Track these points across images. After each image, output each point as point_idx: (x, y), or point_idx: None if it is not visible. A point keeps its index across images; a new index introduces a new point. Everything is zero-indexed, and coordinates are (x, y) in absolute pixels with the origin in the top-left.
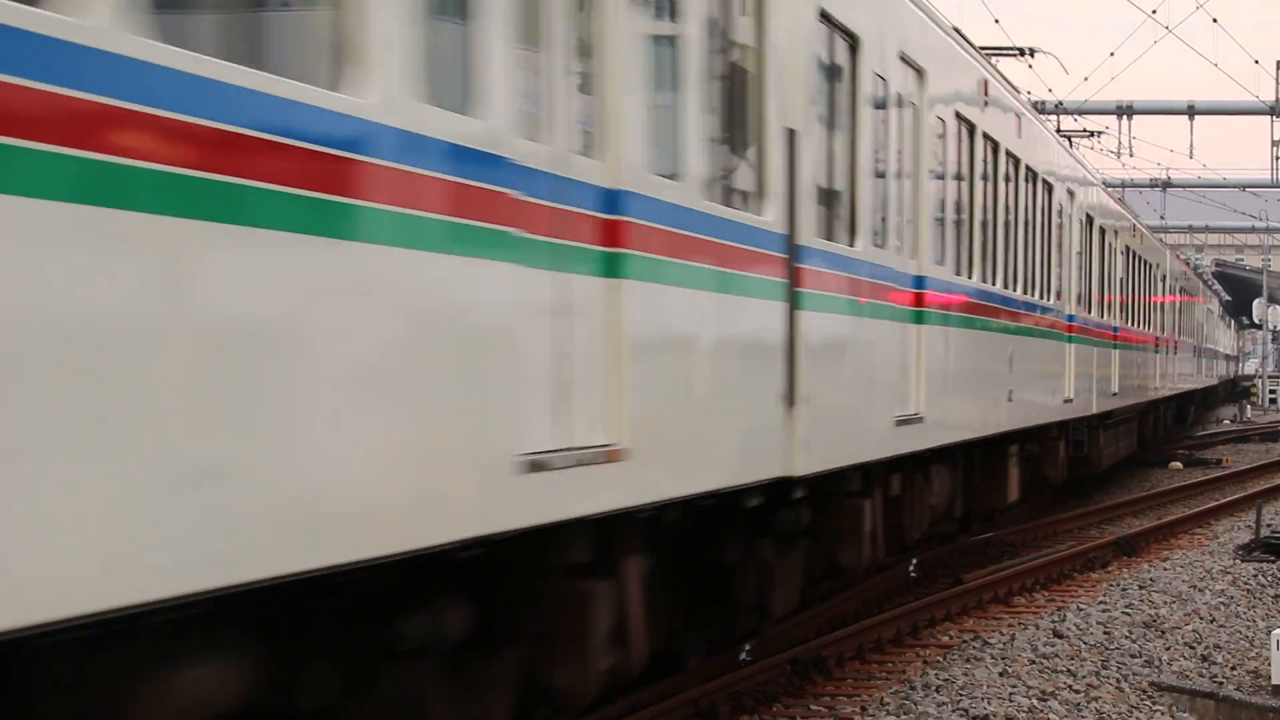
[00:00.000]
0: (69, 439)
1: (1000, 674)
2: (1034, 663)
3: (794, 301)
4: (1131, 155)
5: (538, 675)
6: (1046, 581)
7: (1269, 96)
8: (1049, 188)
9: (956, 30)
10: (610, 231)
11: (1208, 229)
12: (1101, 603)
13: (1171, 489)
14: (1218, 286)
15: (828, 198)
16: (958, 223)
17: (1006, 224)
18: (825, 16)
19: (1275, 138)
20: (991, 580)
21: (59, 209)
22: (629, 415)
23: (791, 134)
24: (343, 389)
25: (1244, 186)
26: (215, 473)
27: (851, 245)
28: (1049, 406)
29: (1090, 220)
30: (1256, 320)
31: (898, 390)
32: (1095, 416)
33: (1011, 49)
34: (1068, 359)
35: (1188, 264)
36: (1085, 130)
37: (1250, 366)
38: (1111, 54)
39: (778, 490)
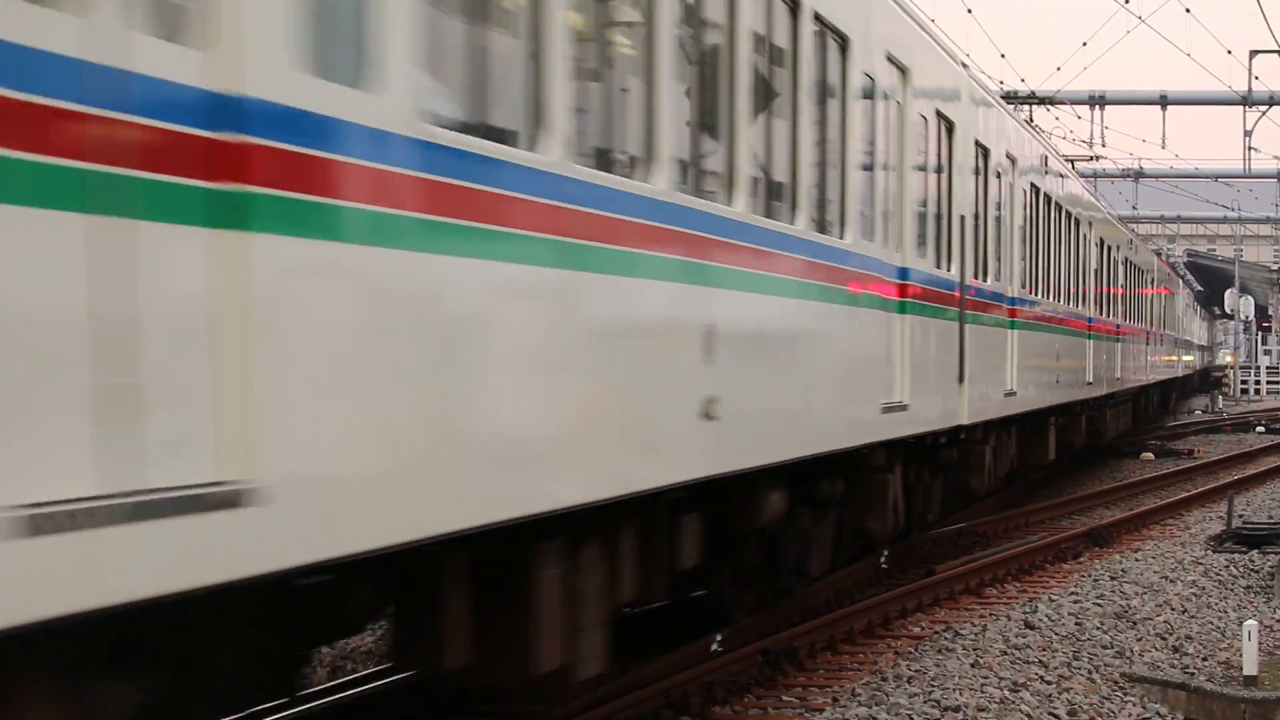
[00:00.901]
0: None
1: (972, 665)
2: (1005, 654)
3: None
4: (1104, 145)
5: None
6: (1018, 572)
7: (1241, 86)
8: (1075, 220)
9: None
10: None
11: (1180, 219)
12: (1073, 594)
13: (1143, 480)
14: (1190, 277)
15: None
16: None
17: (1050, 243)
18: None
19: (1248, 128)
20: (963, 571)
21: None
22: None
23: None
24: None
25: (1216, 177)
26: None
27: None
28: (1078, 388)
29: (1103, 243)
30: (1228, 311)
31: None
32: (1104, 397)
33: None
34: (1088, 351)
35: (1163, 257)
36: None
37: (1225, 357)
38: (1084, 44)
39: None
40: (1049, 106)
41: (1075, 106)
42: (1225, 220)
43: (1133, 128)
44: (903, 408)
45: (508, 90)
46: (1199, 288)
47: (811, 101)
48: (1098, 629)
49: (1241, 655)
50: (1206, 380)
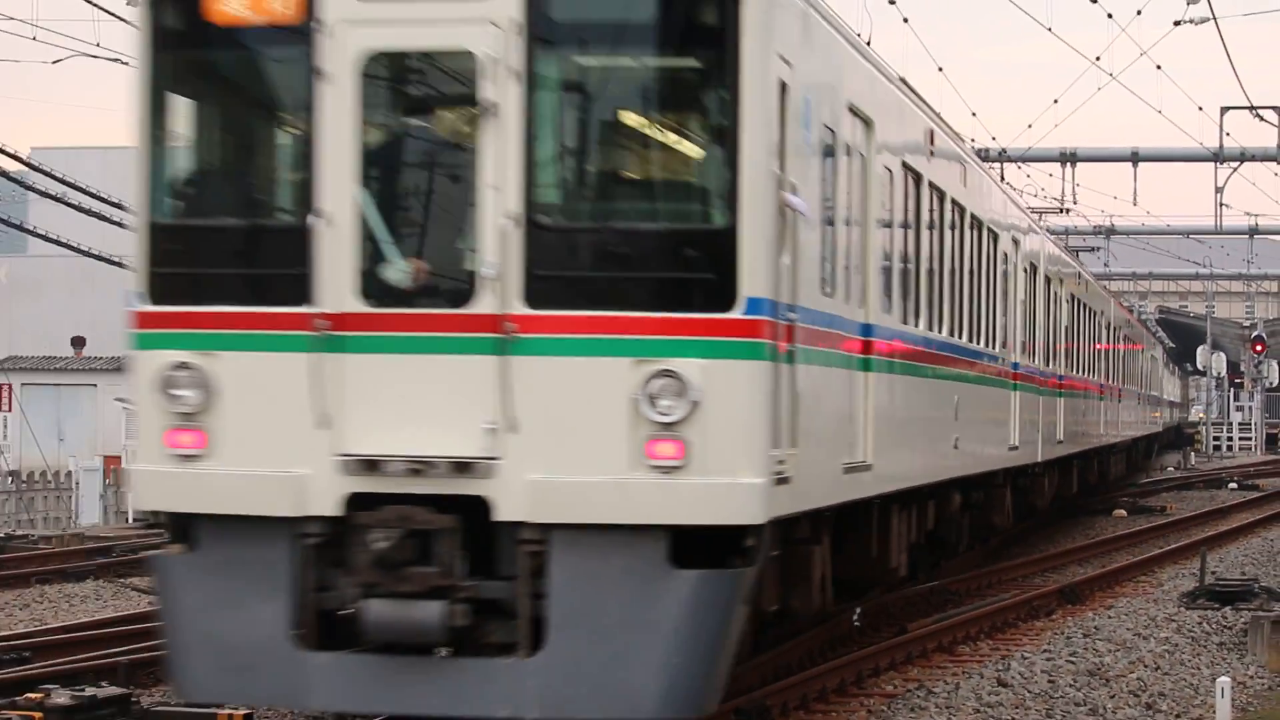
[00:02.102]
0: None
1: None
2: (979, 711)
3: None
4: (1075, 203)
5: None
6: (991, 630)
7: (1212, 143)
8: (994, 236)
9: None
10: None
11: (1151, 275)
12: (1046, 651)
13: (1116, 536)
14: (1162, 334)
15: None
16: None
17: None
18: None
19: (1219, 184)
20: (936, 629)
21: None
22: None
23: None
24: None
25: (1188, 233)
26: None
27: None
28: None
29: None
30: (1200, 367)
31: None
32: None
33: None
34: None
35: (1131, 311)
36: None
37: (1197, 413)
38: (1055, 101)
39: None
40: (1020, 164)
41: (1047, 164)
42: (1197, 277)
43: (1104, 185)
44: (1016, 448)
45: (908, 297)
46: (1171, 344)
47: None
48: (1071, 686)
49: (1215, 712)
50: (1179, 437)
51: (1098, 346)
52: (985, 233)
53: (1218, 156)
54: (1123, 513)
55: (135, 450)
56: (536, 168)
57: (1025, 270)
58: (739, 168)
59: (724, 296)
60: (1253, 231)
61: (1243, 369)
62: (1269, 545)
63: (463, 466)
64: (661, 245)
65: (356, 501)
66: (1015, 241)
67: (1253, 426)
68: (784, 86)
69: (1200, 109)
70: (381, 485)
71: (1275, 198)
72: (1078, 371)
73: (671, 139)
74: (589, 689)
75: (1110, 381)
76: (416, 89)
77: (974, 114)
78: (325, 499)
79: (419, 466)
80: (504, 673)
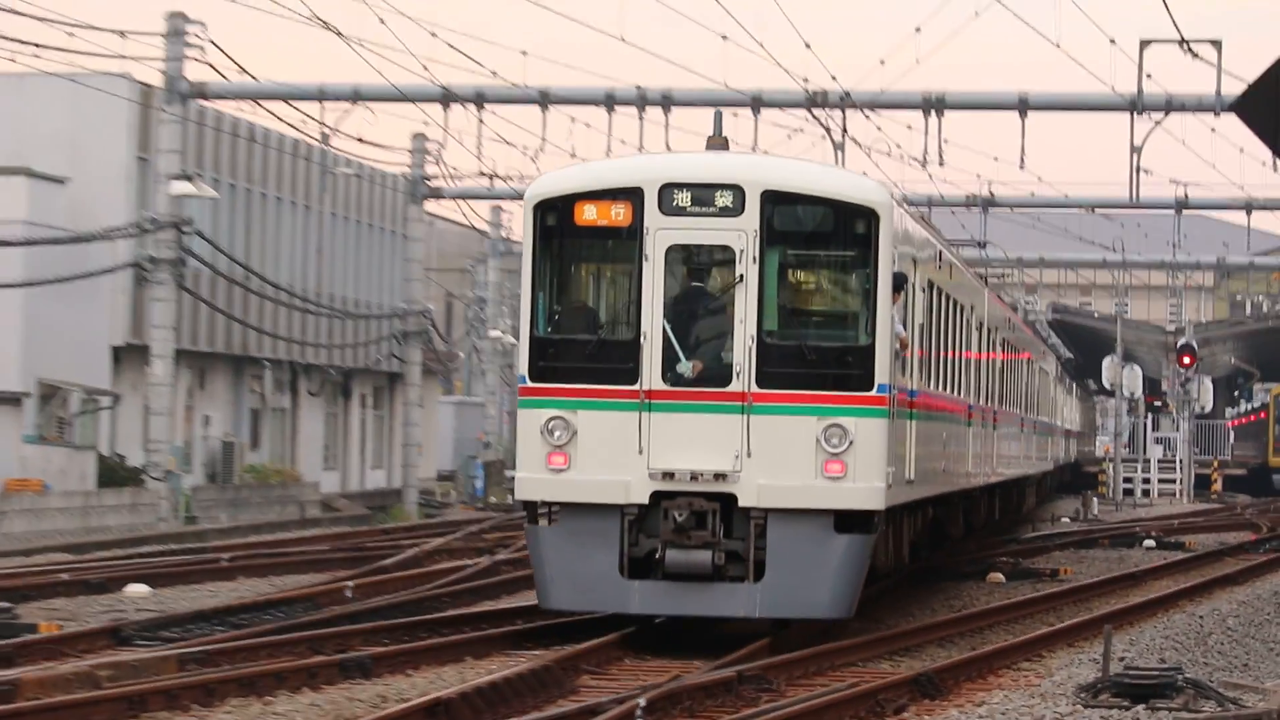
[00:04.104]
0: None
1: None
2: None
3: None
4: (942, 164)
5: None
6: None
7: (1128, 87)
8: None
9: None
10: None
11: (1043, 262)
12: None
13: (990, 609)
14: (1056, 340)
15: None
16: None
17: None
18: None
19: (1136, 142)
20: None
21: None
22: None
23: None
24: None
25: (1092, 206)
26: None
27: None
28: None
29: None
30: (1107, 385)
31: None
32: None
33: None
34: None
35: (1014, 309)
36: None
37: (1102, 447)
38: (917, 29)
39: None
40: (869, 113)
41: (905, 112)
42: (1105, 265)
43: (981, 140)
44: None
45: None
46: (1069, 354)
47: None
48: None
49: None
50: (1078, 477)
51: (966, 355)
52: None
53: (1135, 105)
54: (999, 577)
55: (522, 463)
56: (765, 309)
57: None
58: (876, 311)
59: (867, 382)
60: (1180, 205)
61: (1165, 389)
62: (1197, 624)
63: (720, 476)
64: (834, 353)
65: (657, 496)
66: None
67: (1177, 465)
68: (895, 263)
69: (1113, 42)
70: (674, 486)
71: (1210, 160)
72: (935, 385)
73: (841, 295)
74: (788, 599)
75: (982, 401)
76: (698, 264)
77: (807, 45)
78: (641, 493)
79: (696, 475)
80: (741, 591)
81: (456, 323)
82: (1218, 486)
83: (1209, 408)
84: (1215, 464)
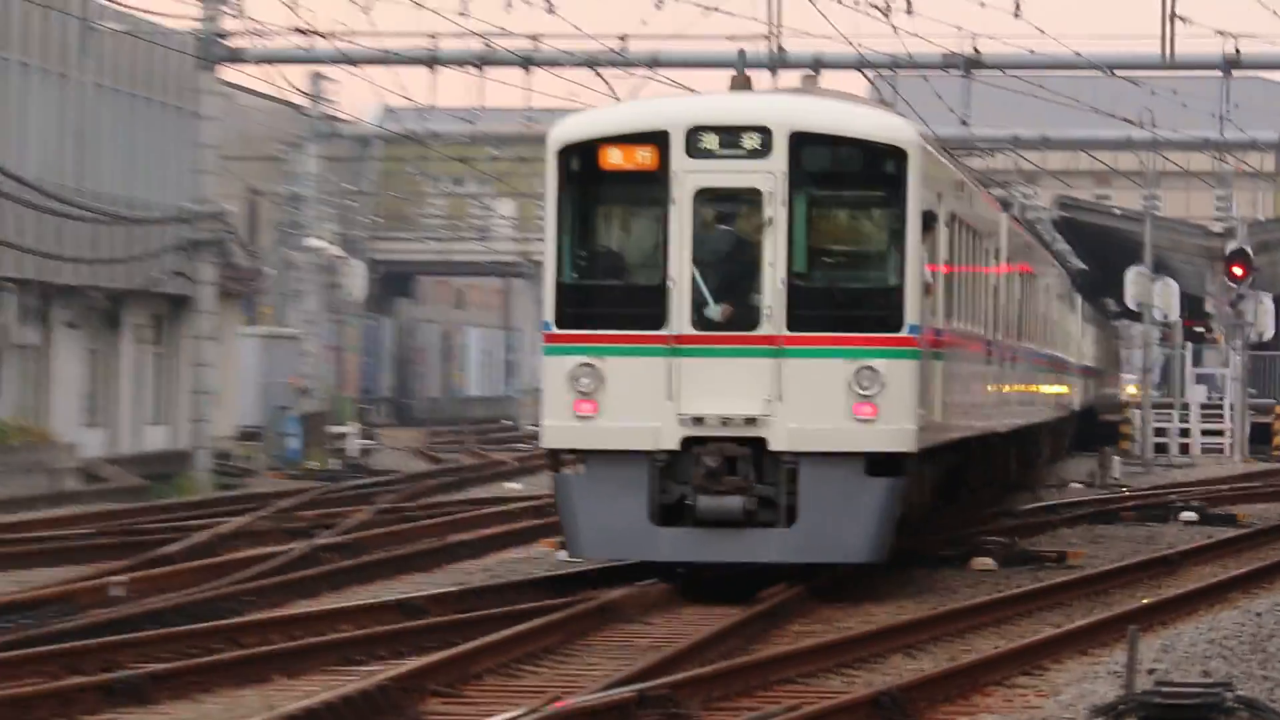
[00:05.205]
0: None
1: None
2: None
3: None
4: (910, 11)
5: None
6: None
7: None
8: None
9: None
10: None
11: (1046, 143)
12: None
13: (975, 605)
14: (1063, 245)
15: None
16: None
17: None
18: None
19: None
20: None
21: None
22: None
23: None
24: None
25: (1112, 67)
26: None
27: None
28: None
29: None
30: (1132, 306)
31: None
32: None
33: None
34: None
35: (1005, 205)
36: None
37: (1127, 387)
38: None
39: None
40: None
41: None
42: (1130, 145)
43: None
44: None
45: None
46: (1080, 264)
47: None
48: None
49: None
50: (1093, 428)
51: (986, 289)
52: None
53: None
54: (989, 562)
55: (548, 411)
56: (794, 252)
57: None
58: (906, 253)
59: (897, 323)
60: (1230, 64)
61: (1209, 310)
62: (1253, 624)
63: (751, 420)
64: (864, 295)
65: (687, 442)
66: None
67: (1226, 412)
68: (923, 202)
69: None
70: (704, 431)
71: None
72: (958, 322)
73: (870, 236)
74: (820, 544)
75: (1000, 337)
76: (726, 208)
77: None
78: (671, 439)
79: (726, 420)
80: (773, 536)
81: (263, 229)
82: None
83: (1269, 335)
84: (1278, 411)
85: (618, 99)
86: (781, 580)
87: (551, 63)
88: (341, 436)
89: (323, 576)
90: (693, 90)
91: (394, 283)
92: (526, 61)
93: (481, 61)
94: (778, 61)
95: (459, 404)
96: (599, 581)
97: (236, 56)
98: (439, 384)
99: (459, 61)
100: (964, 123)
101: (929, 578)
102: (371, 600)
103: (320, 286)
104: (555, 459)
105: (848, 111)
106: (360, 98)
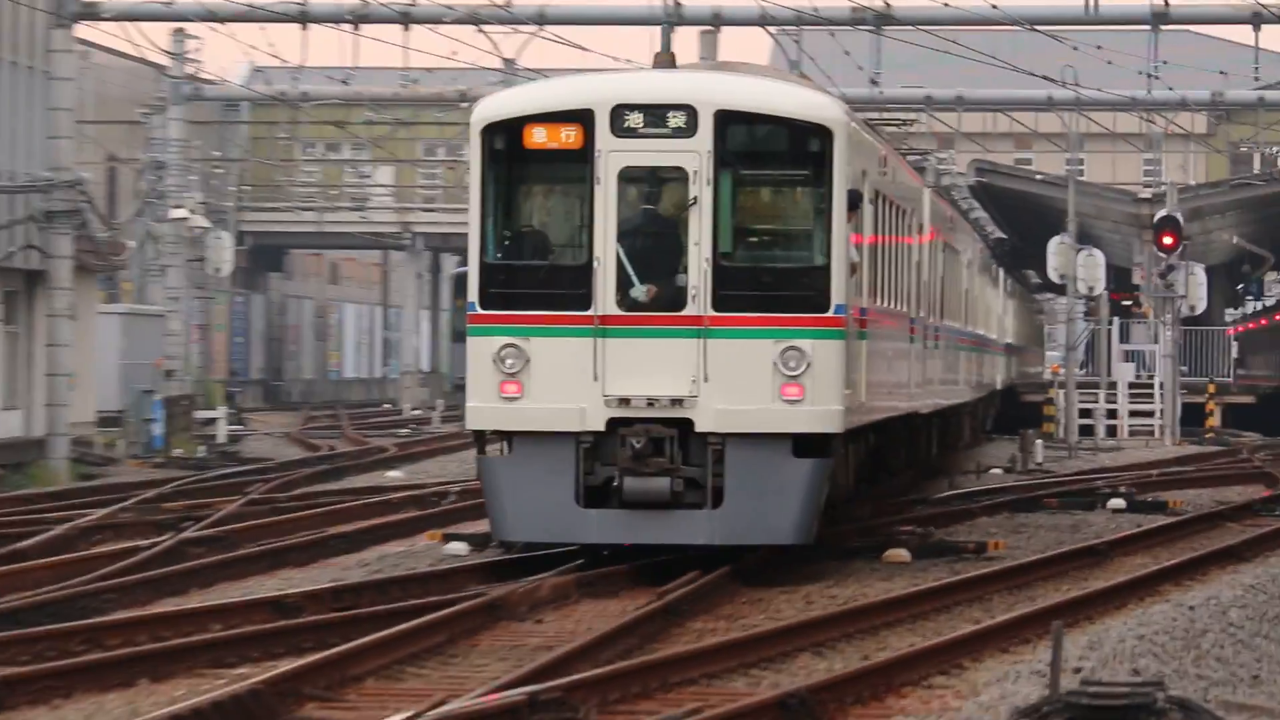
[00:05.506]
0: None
1: None
2: None
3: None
4: None
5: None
6: None
7: None
8: None
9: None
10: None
11: (962, 103)
12: None
13: (889, 600)
14: (981, 213)
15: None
16: None
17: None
18: None
19: None
20: None
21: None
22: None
23: None
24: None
25: (1030, 22)
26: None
27: None
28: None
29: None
30: (1054, 278)
31: None
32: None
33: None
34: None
35: (919, 171)
36: None
37: (1046, 366)
38: None
39: None
40: None
41: None
42: (1051, 106)
43: None
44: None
45: (954, 307)
46: (1000, 233)
47: None
48: None
49: None
50: (1015, 410)
51: (908, 265)
52: None
53: None
54: (903, 554)
55: (473, 392)
56: (720, 231)
57: None
58: (831, 231)
59: (823, 303)
60: (1159, 18)
61: (1138, 281)
62: (1185, 618)
63: (677, 401)
64: (790, 275)
65: (613, 423)
66: None
67: (1156, 391)
68: (849, 181)
69: None
70: (630, 412)
71: None
72: (882, 301)
73: (796, 215)
74: (747, 526)
75: (924, 314)
76: (651, 188)
77: None
78: (596, 420)
79: (652, 401)
80: (700, 518)
81: (124, 198)
82: (1214, 421)
83: (1201, 308)
84: (1211, 390)
85: (504, 59)
86: (702, 565)
87: (431, 19)
88: (209, 422)
89: (190, 573)
90: (583, 48)
91: (264, 256)
92: (405, 18)
93: (357, 18)
94: (674, 17)
95: (335, 386)
96: (488, 577)
97: (93, 12)
98: (313, 365)
99: (332, 18)
100: (874, 82)
101: (841, 570)
102: (243, 598)
103: (185, 260)
104: (481, 440)
105: (774, 90)
106: (227, 57)
